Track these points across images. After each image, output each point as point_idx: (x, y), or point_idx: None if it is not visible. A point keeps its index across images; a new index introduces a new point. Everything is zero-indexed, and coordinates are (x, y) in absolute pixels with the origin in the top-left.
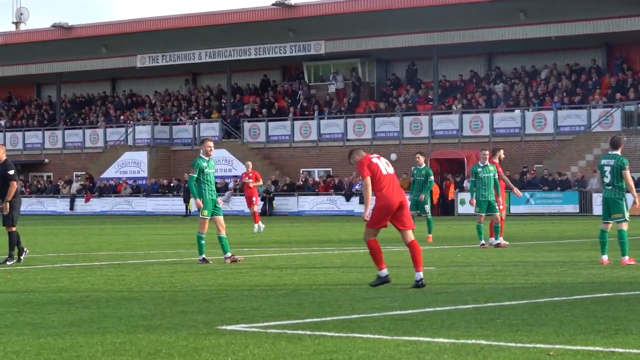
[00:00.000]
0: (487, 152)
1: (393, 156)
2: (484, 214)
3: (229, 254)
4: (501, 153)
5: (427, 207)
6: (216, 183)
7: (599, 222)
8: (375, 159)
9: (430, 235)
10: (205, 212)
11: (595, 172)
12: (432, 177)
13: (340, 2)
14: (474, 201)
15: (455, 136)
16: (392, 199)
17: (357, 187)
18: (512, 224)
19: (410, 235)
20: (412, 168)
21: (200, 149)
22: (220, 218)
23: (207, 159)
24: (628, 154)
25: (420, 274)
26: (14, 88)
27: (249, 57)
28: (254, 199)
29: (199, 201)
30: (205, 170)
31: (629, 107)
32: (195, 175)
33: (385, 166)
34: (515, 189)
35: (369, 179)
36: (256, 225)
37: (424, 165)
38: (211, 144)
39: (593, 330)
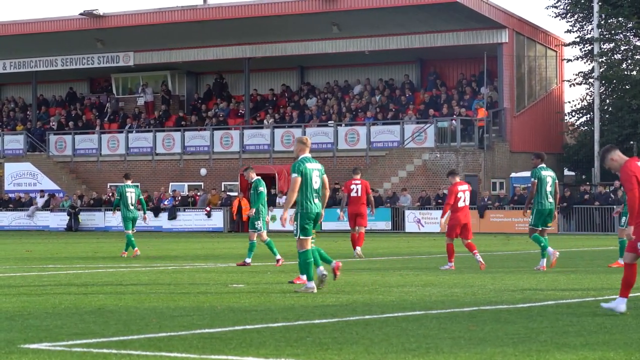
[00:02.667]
0: (250, 171)
1: (203, 171)
2: (264, 231)
3: None
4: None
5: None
6: (20, 198)
7: (411, 239)
8: None
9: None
10: None
11: (404, 190)
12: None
13: (150, 13)
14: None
15: (267, 151)
16: None
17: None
18: (324, 241)
19: None
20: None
21: None
22: None
23: None
24: (441, 170)
25: None
26: None
27: (55, 67)
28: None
29: None
30: None
31: (442, 123)
32: None
33: None
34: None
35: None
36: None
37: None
38: None
39: (404, 348)
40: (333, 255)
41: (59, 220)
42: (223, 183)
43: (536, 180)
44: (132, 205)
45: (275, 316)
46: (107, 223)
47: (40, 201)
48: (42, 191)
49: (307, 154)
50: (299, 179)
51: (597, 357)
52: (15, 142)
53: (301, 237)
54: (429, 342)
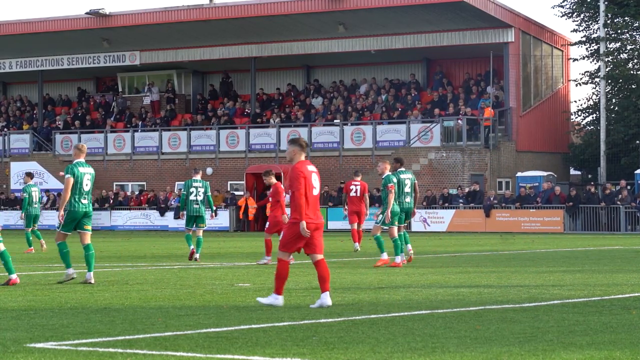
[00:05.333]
0: (200, 171)
1: (209, 170)
2: (192, 228)
3: None
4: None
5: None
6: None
7: (417, 239)
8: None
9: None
10: None
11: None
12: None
13: (156, 13)
14: (184, 215)
15: (273, 150)
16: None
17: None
18: (330, 240)
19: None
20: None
21: None
22: None
23: None
24: (447, 169)
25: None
26: None
27: (61, 67)
28: None
29: None
30: None
31: (448, 122)
32: None
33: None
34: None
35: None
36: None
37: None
38: None
39: (410, 347)
40: (338, 254)
41: None
42: (229, 182)
43: (393, 184)
44: (35, 203)
45: (281, 315)
46: (113, 222)
47: (44, 199)
48: (47, 191)
49: (82, 159)
50: (72, 179)
51: (603, 357)
52: (21, 141)
53: (61, 231)
54: (435, 342)
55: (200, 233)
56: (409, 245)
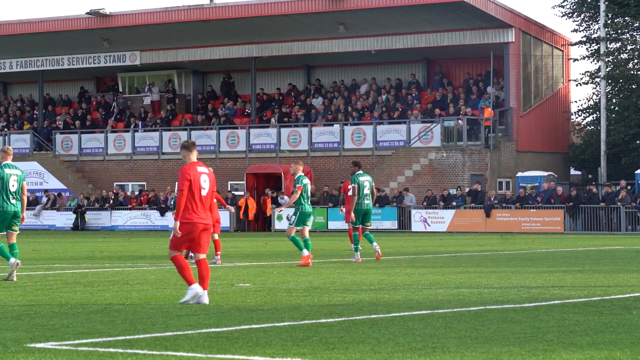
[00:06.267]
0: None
1: None
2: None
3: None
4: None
5: None
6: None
7: (417, 239)
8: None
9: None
10: None
11: (406, 190)
12: None
13: (156, 13)
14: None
15: (273, 150)
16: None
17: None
18: (330, 240)
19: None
20: None
21: None
22: None
23: None
24: (447, 169)
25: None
26: None
27: (61, 67)
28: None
29: None
30: None
31: (448, 122)
32: None
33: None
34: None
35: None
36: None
37: None
38: None
39: (410, 347)
40: (338, 254)
41: (65, 219)
42: (229, 182)
43: (356, 185)
44: None
45: (281, 315)
46: (114, 222)
47: (44, 200)
48: (46, 191)
49: (9, 161)
50: None
51: (604, 357)
52: (21, 141)
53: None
54: (435, 342)
55: None
56: (375, 244)
